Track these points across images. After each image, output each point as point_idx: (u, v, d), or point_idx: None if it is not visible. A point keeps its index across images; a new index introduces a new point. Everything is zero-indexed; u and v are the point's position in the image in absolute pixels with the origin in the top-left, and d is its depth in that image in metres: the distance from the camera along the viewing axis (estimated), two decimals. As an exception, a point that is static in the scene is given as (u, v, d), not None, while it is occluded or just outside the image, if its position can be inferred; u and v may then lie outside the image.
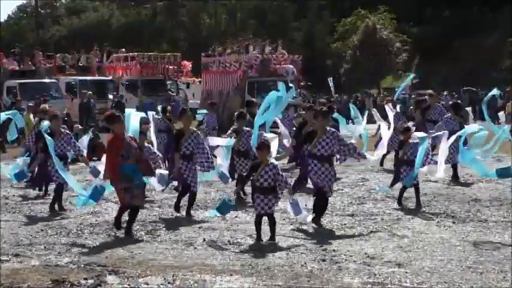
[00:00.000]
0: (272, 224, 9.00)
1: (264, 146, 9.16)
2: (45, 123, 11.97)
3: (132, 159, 9.41)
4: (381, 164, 15.68)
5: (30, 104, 22.24)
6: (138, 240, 9.23)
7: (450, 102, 14.62)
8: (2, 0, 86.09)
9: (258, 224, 9.02)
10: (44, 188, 13.04)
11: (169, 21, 65.34)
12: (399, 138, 12.75)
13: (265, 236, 9.09)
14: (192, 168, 10.90)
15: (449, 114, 14.27)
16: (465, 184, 13.73)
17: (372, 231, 9.55)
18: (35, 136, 12.64)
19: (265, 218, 9.06)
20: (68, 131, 12.07)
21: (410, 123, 15.15)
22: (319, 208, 10.03)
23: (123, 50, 36.40)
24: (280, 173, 8.97)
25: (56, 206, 11.49)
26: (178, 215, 10.89)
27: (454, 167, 13.96)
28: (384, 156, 15.19)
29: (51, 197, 11.92)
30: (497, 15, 50.66)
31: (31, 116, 19.82)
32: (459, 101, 15.32)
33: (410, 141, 11.43)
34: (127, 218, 9.67)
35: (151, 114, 13.75)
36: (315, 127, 10.34)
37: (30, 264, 8.02)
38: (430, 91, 17.72)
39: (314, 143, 9.91)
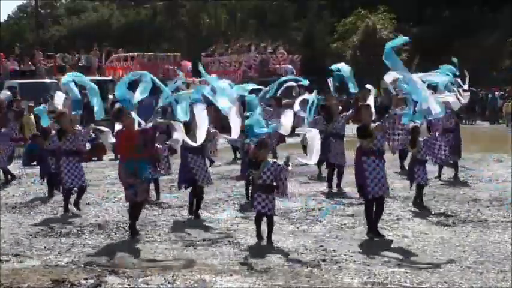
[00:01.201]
0: (270, 225, 8.98)
1: (264, 144, 9.16)
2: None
3: (141, 153, 9.32)
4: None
5: (30, 104, 22.24)
6: (138, 240, 9.23)
7: None
8: (2, 0, 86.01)
9: (258, 222, 9.01)
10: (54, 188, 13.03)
11: (169, 21, 65.29)
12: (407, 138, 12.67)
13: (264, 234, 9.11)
14: (202, 163, 10.71)
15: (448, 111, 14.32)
16: (465, 184, 13.76)
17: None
18: (57, 132, 11.97)
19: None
20: (79, 128, 11.62)
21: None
22: (376, 214, 9.22)
23: (120, 50, 36.39)
24: (284, 171, 8.87)
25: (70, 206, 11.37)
26: (191, 217, 10.79)
27: (455, 165, 14.22)
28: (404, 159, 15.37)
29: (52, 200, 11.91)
30: (497, 15, 50.62)
31: (31, 116, 19.83)
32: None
33: (421, 139, 11.36)
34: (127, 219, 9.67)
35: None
36: (364, 121, 9.31)
37: (30, 264, 8.02)
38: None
39: (371, 138, 9.05)
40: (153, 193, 12.98)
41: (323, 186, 13.42)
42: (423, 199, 11.46)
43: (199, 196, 10.86)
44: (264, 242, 8.89)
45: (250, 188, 10.97)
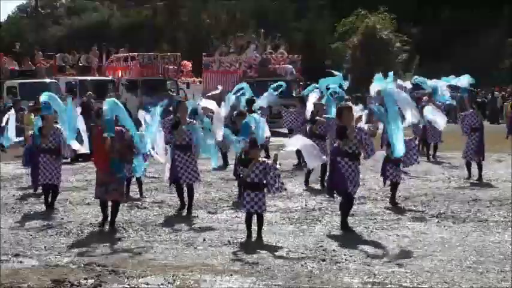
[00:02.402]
0: (259, 222, 9.08)
1: (256, 143, 9.20)
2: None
3: (116, 153, 9.63)
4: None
5: (31, 104, 22.21)
6: (138, 240, 9.23)
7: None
8: (2, 0, 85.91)
9: (247, 221, 9.11)
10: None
11: (169, 21, 65.28)
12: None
13: (268, 234, 9.13)
14: (188, 161, 10.86)
15: (473, 110, 14.61)
16: (465, 184, 13.75)
17: (371, 231, 9.56)
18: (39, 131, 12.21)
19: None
20: (58, 127, 11.63)
21: None
22: (345, 209, 9.61)
23: (123, 49, 36.39)
24: (273, 169, 8.96)
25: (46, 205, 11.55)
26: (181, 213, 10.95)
27: (468, 165, 14.30)
28: None
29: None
30: (497, 15, 50.62)
31: (32, 116, 19.77)
32: (484, 99, 15.71)
33: None
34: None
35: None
36: (344, 123, 9.49)
37: (30, 264, 8.02)
38: (428, 91, 17.65)
39: (346, 139, 9.29)
40: (151, 192, 13.01)
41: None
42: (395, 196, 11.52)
43: (189, 194, 11.04)
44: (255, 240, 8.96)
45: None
